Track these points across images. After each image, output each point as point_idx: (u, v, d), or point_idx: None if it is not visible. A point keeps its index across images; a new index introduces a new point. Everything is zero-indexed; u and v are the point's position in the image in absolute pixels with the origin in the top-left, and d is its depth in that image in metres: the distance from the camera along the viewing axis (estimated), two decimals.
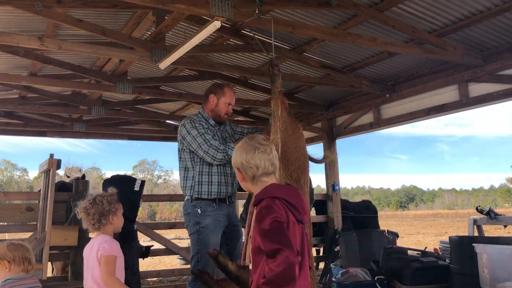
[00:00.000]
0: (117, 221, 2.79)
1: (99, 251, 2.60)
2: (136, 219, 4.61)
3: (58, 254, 5.82)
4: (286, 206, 1.82)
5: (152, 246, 5.53)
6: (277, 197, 1.84)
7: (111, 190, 2.87)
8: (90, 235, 5.07)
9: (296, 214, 1.83)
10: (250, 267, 1.92)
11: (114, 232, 2.82)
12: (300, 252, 1.77)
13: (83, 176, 6.40)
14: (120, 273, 2.70)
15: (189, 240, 3.38)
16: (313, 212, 7.57)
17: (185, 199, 3.39)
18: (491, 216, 5.45)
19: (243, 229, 3.57)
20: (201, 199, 3.28)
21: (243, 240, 3.26)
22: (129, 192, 3.76)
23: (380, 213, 9.73)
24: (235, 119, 8.08)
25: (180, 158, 3.42)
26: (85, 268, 2.69)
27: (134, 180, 4.02)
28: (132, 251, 3.70)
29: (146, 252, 4.36)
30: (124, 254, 2.92)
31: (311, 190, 6.88)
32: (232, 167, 3.47)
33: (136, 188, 3.92)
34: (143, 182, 4.05)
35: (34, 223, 5.37)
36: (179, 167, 3.45)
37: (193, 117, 3.45)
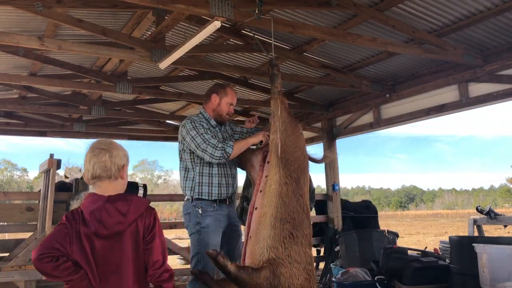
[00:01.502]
0: None
1: None
2: None
3: None
4: (81, 218, 1.90)
5: None
6: (82, 208, 1.95)
7: None
8: None
9: (90, 227, 1.87)
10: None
11: None
12: (101, 265, 1.87)
13: (82, 177, 6.39)
14: None
15: (189, 240, 3.38)
16: (313, 212, 7.57)
17: (185, 199, 3.38)
18: (491, 216, 5.45)
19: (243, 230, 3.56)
20: (202, 199, 3.27)
21: (243, 240, 3.26)
22: None
23: (380, 213, 9.73)
24: (235, 119, 8.08)
25: (180, 158, 3.42)
26: None
27: (136, 186, 4.00)
28: None
29: None
30: None
31: (312, 189, 6.87)
32: (232, 167, 3.48)
33: (140, 195, 3.91)
34: (145, 189, 4.04)
35: (34, 223, 5.38)
36: (180, 167, 3.44)
37: (194, 117, 3.43)
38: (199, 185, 3.28)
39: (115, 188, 1.99)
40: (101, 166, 1.96)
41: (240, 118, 8.13)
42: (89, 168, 1.98)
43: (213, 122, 3.47)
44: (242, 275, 2.59)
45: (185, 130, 3.33)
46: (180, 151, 3.43)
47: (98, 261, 1.87)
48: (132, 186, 4.10)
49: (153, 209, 2.06)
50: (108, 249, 1.89)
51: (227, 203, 3.39)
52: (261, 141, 3.38)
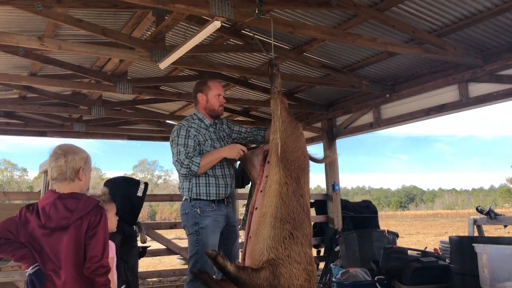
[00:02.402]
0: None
1: None
2: (139, 220, 4.53)
3: None
4: (36, 211, 2.15)
5: (149, 246, 5.47)
6: (38, 201, 2.21)
7: (102, 190, 2.84)
8: None
9: (41, 219, 2.12)
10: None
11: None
12: (48, 255, 2.10)
13: None
14: (114, 274, 2.67)
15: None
16: (313, 212, 7.57)
17: (183, 199, 3.36)
18: (491, 216, 5.45)
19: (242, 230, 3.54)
20: (200, 199, 3.25)
21: (243, 240, 3.25)
22: (132, 196, 3.73)
23: (380, 213, 9.72)
24: (235, 119, 8.08)
25: None
26: None
27: (138, 183, 4.00)
28: (133, 252, 3.66)
29: (143, 252, 4.35)
30: (126, 255, 2.88)
31: None
32: (230, 167, 3.47)
33: (139, 193, 3.91)
34: (146, 186, 4.03)
35: None
36: None
37: (184, 122, 3.39)
38: (196, 186, 3.26)
39: (72, 188, 2.22)
40: (57, 170, 2.19)
41: (240, 118, 8.13)
42: (49, 171, 2.23)
43: (207, 122, 3.43)
44: (242, 275, 2.59)
45: (171, 138, 3.34)
46: None
47: (41, 248, 2.11)
48: (134, 182, 4.12)
49: (102, 208, 2.24)
50: (52, 240, 2.11)
51: (225, 203, 3.37)
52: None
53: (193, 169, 3.15)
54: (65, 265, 2.10)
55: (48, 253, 2.10)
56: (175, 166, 3.22)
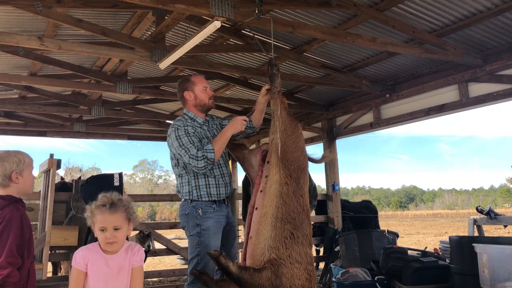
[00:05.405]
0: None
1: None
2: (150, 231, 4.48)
3: (58, 254, 5.82)
4: None
5: (148, 250, 5.46)
6: None
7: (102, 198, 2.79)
8: None
9: None
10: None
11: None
12: None
13: (80, 178, 6.42)
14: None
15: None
16: (313, 212, 7.57)
17: (183, 200, 3.32)
18: (491, 216, 5.45)
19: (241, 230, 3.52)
20: (202, 201, 3.22)
21: (243, 240, 3.24)
22: (109, 189, 3.70)
23: (380, 213, 9.73)
24: None
25: (174, 165, 3.36)
26: None
27: (112, 175, 3.96)
28: None
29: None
30: None
31: (314, 185, 6.88)
32: (227, 166, 3.45)
33: (116, 183, 3.86)
34: (121, 175, 3.99)
35: (34, 223, 5.36)
36: (175, 173, 3.39)
37: (178, 123, 3.32)
38: (196, 189, 3.21)
39: (9, 191, 2.35)
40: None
41: None
42: None
43: (200, 120, 3.38)
44: (244, 275, 2.58)
45: (170, 140, 3.28)
46: (171, 158, 3.39)
47: None
48: (107, 175, 4.08)
49: (7, 210, 2.28)
50: None
51: (225, 203, 3.35)
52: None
53: (210, 157, 3.07)
54: None
55: None
56: (190, 163, 3.11)
